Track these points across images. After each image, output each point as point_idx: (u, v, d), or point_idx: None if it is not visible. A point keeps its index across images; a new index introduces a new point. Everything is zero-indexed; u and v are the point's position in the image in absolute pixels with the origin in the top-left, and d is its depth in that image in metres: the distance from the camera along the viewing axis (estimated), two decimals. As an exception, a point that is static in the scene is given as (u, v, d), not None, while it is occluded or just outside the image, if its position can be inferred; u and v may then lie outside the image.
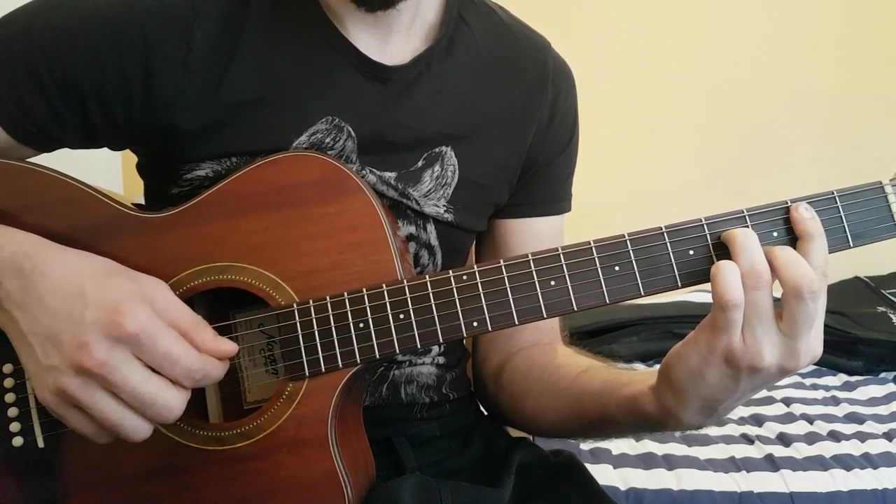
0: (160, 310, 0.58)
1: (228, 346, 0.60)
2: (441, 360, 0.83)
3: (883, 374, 1.96)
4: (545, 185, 0.83)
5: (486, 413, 0.91)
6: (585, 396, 0.71)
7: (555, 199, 0.84)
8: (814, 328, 0.56)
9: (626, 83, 2.47)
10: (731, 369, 0.57)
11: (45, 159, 0.69)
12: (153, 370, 0.56)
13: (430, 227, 0.77)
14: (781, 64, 2.46)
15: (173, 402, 0.57)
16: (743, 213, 0.61)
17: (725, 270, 0.56)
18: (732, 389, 0.58)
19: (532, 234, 0.83)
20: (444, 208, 0.76)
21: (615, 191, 2.27)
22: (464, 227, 0.79)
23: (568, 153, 0.84)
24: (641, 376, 0.66)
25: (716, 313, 0.56)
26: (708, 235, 0.60)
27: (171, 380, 0.57)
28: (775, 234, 0.60)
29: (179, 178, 0.70)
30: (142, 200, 0.77)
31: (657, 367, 0.63)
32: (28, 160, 0.68)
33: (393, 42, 0.73)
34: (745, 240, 0.57)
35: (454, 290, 0.62)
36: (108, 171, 1.68)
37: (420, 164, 0.75)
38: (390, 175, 0.73)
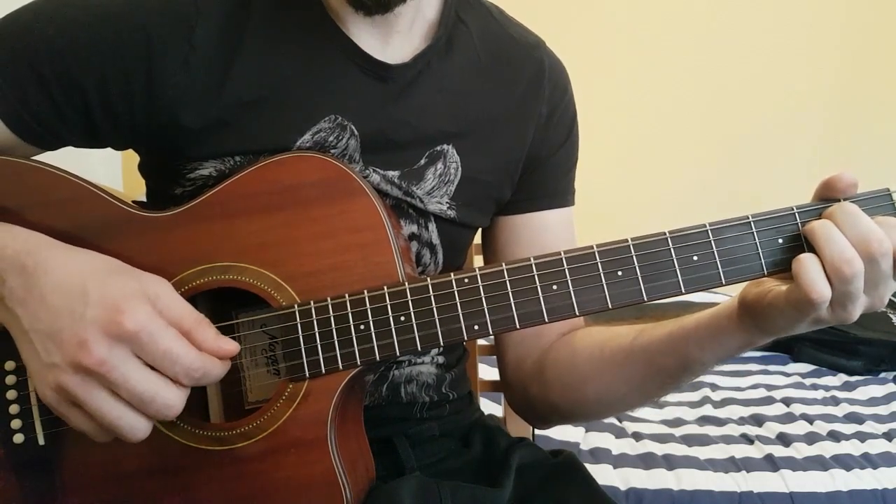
0: (163, 307, 0.57)
1: (230, 346, 0.60)
2: (441, 359, 0.83)
3: (883, 374, 1.97)
4: (547, 179, 0.83)
5: (531, 425, 0.90)
6: (656, 354, 0.71)
7: (558, 193, 0.84)
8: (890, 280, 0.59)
9: (626, 86, 2.47)
10: (821, 324, 0.61)
11: (46, 157, 0.69)
12: (153, 368, 0.56)
13: (432, 226, 0.77)
14: (782, 66, 2.46)
15: (173, 399, 0.57)
16: (748, 218, 0.60)
17: (809, 267, 0.57)
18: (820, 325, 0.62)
19: (541, 228, 0.83)
20: (447, 205, 0.76)
21: (615, 193, 2.26)
22: (465, 223, 0.79)
23: (568, 147, 0.84)
24: (709, 314, 0.68)
25: (802, 305, 0.57)
26: (713, 242, 0.60)
27: (171, 378, 0.57)
28: (780, 240, 0.60)
29: (182, 177, 0.70)
30: (142, 198, 0.76)
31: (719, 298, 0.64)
32: (32, 158, 0.67)
33: (394, 42, 0.73)
34: (829, 232, 0.58)
35: (455, 292, 0.62)
36: (108, 170, 1.68)
37: (423, 161, 0.75)
38: (394, 174, 0.73)
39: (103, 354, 0.54)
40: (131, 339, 0.55)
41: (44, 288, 0.57)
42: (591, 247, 0.62)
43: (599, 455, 1.39)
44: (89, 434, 0.58)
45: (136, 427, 0.57)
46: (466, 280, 0.62)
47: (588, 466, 0.79)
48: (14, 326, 0.58)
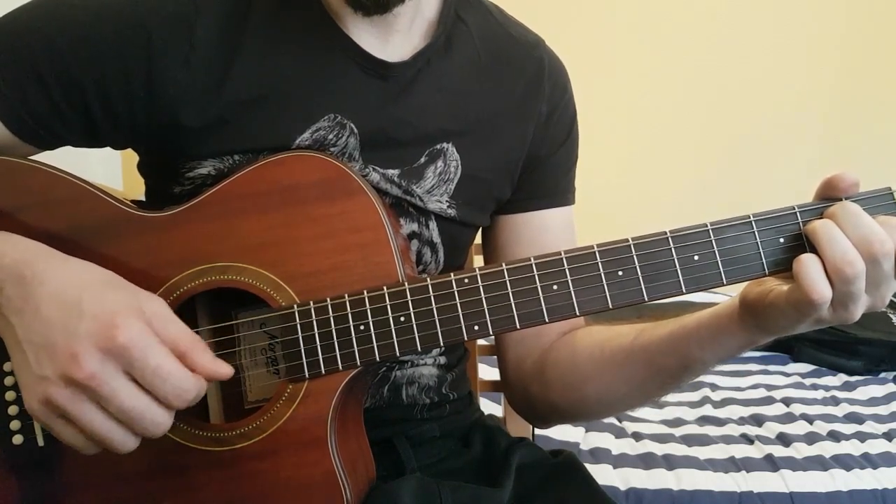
0: (160, 327, 0.57)
1: (225, 370, 0.59)
2: (442, 360, 0.83)
3: (883, 374, 1.97)
4: (547, 178, 0.83)
5: (531, 424, 0.90)
6: (657, 354, 0.71)
7: (558, 191, 0.84)
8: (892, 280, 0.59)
9: (627, 86, 2.47)
10: (822, 324, 0.61)
11: (45, 157, 0.69)
12: (144, 387, 0.56)
13: (433, 225, 0.77)
14: (782, 66, 2.46)
15: (161, 418, 0.56)
16: (749, 218, 0.60)
17: (810, 267, 0.57)
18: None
19: (541, 227, 0.83)
20: (447, 204, 0.76)
21: (615, 193, 2.26)
22: (466, 222, 0.79)
23: (568, 146, 0.84)
24: (710, 313, 0.67)
25: (803, 305, 0.57)
26: (714, 241, 0.60)
27: (160, 398, 0.56)
28: (781, 240, 0.60)
29: (181, 176, 0.70)
30: (142, 198, 0.76)
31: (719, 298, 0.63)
32: (30, 158, 0.67)
33: (394, 41, 0.73)
34: (831, 233, 0.57)
35: (455, 292, 0.62)
36: (108, 170, 1.67)
37: (423, 160, 0.75)
38: (393, 172, 0.73)
39: (94, 368, 0.53)
40: (122, 354, 0.54)
41: (40, 299, 0.56)
42: (592, 247, 0.61)
43: (599, 455, 1.39)
44: (77, 447, 0.57)
45: (125, 441, 0.56)
46: (466, 280, 0.62)
47: (588, 466, 0.79)
48: (9, 336, 0.58)
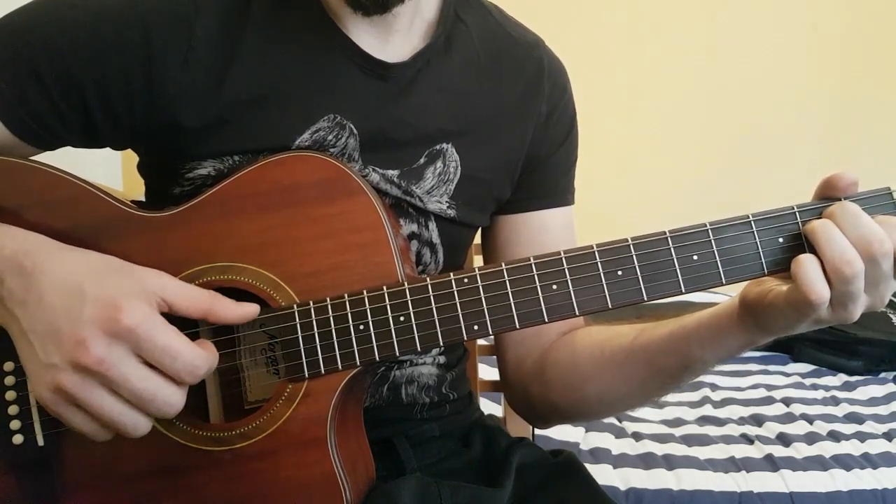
0: (172, 296, 0.58)
1: (253, 308, 0.61)
2: (442, 359, 0.83)
3: (883, 374, 1.97)
4: (547, 178, 0.83)
5: (531, 424, 0.90)
6: (657, 354, 0.71)
7: (558, 191, 0.84)
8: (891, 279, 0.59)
9: (626, 86, 2.47)
10: (822, 324, 0.61)
11: (45, 157, 0.69)
12: (153, 367, 0.56)
13: (432, 225, 0.77)
14: (782, 66, 2.46)
15: (174, 397, 0.57)
16: (748, 218, 0.60)
17: (808, 267, 0.57)
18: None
19: (541, 227, 0.83)
20: (447, 204, 0.76)
21: (615, 193, 2.27)
22: (465, 222, 0.79)
23: (567, 146, 0.84)
24: (710, 313, 0.68)
25: (801, 306, 0.57)
26: (713, 241, 0.60)
27: (172, 376, 0.56)
28: (781, 240, 0.60)
29: (181, 176, 0.70)
30: (142, 198, 0.76)
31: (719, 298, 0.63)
32: (30, 158, 0.67)
33: (393, 41, 0.73)
34: (830, 233, 0.58)
35: (455, 292, 0.62)
36: (108, 170, 1.67)
37: (422, 161, 0.75)
38: (393, 173, 0.73)
39: (101, 353, 0.54)
40: (129, 336, 0.55)
41: (42, 288, 0.56)
42: (591, 246, 0.62)
43: (599, 455, 1.39)
44: (88, 434, 0.58)
45: (138, 424, 0.57)
46: (466, 280, 0.62)
47: (588, 466, 0.79)
48: (13, 327, 0.58)
